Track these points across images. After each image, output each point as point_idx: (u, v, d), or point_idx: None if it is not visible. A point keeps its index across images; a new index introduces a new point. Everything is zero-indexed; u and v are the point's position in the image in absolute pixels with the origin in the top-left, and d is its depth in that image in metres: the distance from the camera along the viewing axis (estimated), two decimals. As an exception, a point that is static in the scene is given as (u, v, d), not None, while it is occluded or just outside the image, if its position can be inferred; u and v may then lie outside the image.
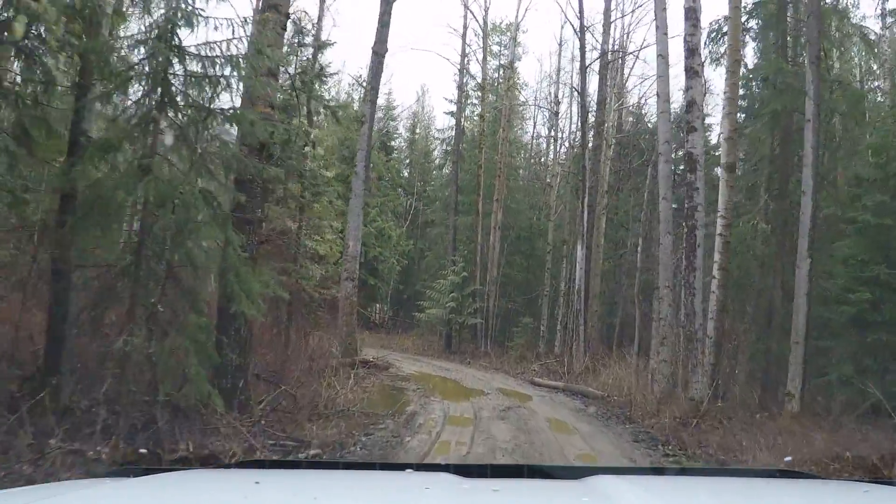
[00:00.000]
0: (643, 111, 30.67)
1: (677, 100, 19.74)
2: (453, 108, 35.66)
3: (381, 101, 36.15)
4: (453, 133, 35.78)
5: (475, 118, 35.53)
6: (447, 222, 32.63)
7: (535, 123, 41.92)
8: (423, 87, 75.68)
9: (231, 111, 7.46)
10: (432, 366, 21.89)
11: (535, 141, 41.27)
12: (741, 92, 15.91)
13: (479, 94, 34.80)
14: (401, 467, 2.16)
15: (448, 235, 31.61)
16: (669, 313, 13.09)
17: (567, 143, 31.17)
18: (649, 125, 28.93)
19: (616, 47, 27.64)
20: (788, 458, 6.83)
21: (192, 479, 2.04)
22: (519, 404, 13.81)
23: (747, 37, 16.25)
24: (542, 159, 39.80)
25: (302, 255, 13.21)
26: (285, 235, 12.10)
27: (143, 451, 6.01)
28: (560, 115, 32.70)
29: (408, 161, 47.62)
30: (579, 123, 25.75)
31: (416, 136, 48.65)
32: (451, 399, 13.94)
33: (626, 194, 28.87)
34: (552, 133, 35.04)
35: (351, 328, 17.96)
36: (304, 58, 15.75)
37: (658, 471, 3.61)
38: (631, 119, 31.06)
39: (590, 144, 24.56)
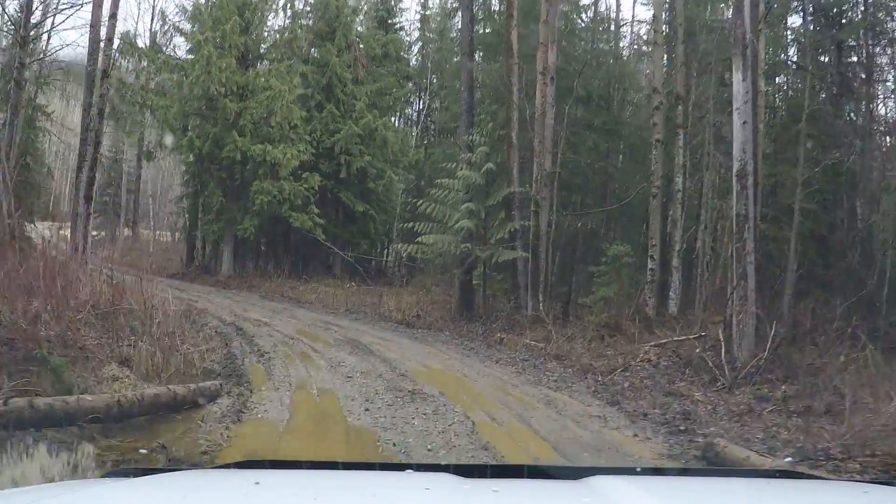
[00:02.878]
0: None
1: None
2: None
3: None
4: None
5: None
6: (459, 81, 19.80)
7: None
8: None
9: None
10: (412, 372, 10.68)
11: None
12: None
13: None
14: (401, 467, 2.25)
15: (461, 96, 18.22)
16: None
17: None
18: None
19: None
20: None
21: (192, 480, 2.07)
22: None
23: None
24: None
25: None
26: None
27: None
28: None
29: (418, 47, 34.39)
30: None
31: (429, 11, 35.23)
32: None
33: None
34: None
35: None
36: None
37: (658, 471, 3.33)
38: None
39: None
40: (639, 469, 2.43)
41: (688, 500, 1.88)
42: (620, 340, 12.26)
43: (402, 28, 33.53)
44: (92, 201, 16.15)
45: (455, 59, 28.64)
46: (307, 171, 23.96)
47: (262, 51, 25.00)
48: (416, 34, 35.43)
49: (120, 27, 27.04)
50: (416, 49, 35.27)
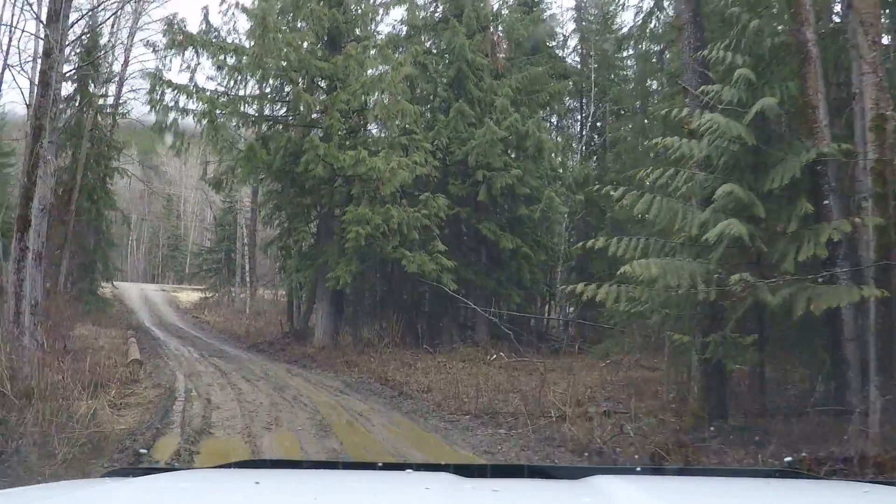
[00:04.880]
0: None
1: None
2: None
3: None
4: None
5: None
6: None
7: None
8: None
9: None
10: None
11: None
12: None
13: None
14: (401, 467, 2.19)
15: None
16: None
17: None
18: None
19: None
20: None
21: (192, 480, 2.06)
22: None
23: None
24: None
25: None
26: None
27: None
28: None
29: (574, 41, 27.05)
30: None
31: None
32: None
33: None
34: None
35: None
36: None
37: (658, 471, 3.44)
38: None
39: None
40: (639, 469, 2.37)
41: (688, 500, 1.88)
42: None
43: (552, 15, 25.79)
44: (28, 231, 9.24)
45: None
46: (429, 191, 16.51)
47: (358, 32, 17.84)
48: (572, 25, 27.48)
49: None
50: (571, 44, 27.33)
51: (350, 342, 16.80)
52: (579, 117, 25.57)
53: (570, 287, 7.51)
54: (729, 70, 8.09)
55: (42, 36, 10.30)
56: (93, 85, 23.96)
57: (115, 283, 37.12)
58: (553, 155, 20.67)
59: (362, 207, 14.81)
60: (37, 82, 10.48)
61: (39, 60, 11.73)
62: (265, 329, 22.27)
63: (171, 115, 15.68)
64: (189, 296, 36.96)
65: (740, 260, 7.47)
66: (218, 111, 15.44)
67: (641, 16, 18.31)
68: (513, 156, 19.21)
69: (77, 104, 23.72)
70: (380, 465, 2.32)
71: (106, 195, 23.92)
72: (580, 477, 1.95)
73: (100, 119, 24.48)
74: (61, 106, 23.59)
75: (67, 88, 23.77)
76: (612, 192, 7.62)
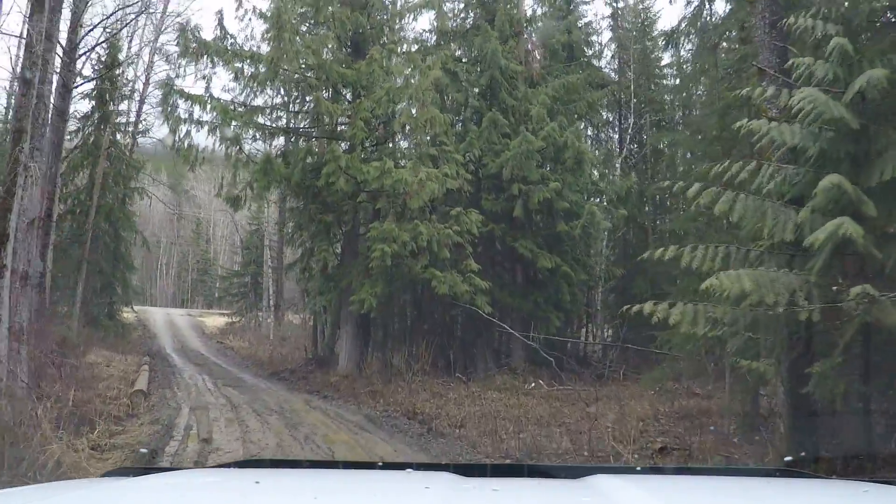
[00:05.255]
0: None
1: None
2: None
3: None
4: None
5: None
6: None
7: None
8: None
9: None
10: None
11: None
12: None
13: None
14: (401, 466, 2.14)
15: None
16: None
17: None
18: None
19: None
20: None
21: (192, 479, 2.05)
22: None
23: None
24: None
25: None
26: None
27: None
28: None
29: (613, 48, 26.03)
30: None
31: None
32: None
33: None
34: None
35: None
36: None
37: (658, 470, 3.35)
38: None
39: None
40: (639, 468, 2.39)
41: (688, 499, 1.85)
42: None
43: (588, 23, 24.52)
44: (5, 247, 8.18)
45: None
46: (461, 206, 15.25)
47: (384, 39, 16.70)
48: (608, 34, 26.15)
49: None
50: (608, 54, 25.99)
51: (376, 370, 15.50)
52: (617, 129, 24.19)
53: (635, 307, 6.10)
54: (816, 45, 6.78)
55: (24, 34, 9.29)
56: (111, 102, 23.23)
57: (140, 307, 36.42)
58: (593, 165, 19.29)
59: (388, 223, 13.56)
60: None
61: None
62: (289, 355, 21.09)
63: (184, 128, 14.65)
64: (215, 321, 36.03)
65: (840, 270, 6.09)
66: (233, 123, 14.38)
67: (693, 7, 16.89)
68: (549, 169, 17.97)
69: (95, 121, 23.01)
70: (380, 464, 2.32)
71: (125, 216, 23.04)
72: (580, 476, 1.93)
73: (119, 137, 23.72)
74: (78, 125, 22.95)
75: (85, 106, 23.15)
76: (683, 191, 6.28)
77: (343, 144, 14.53)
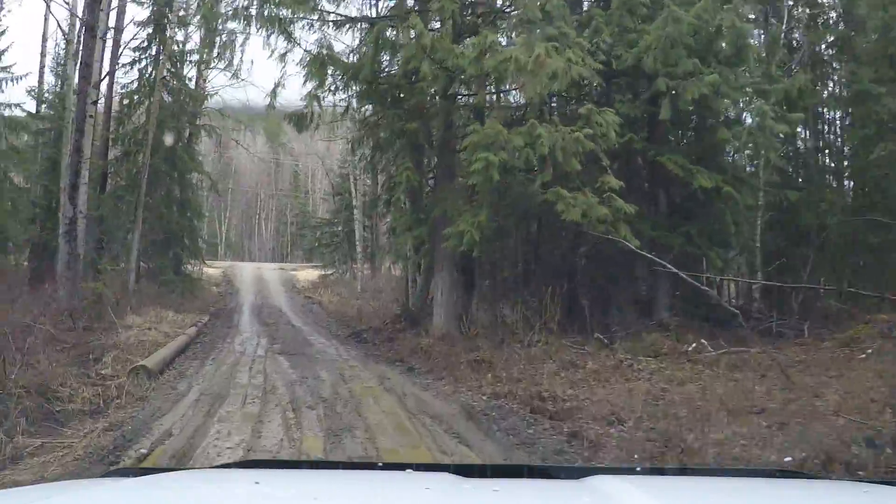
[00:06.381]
0: None
1: None
2: None
3: None
4: None
5: None
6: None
7: None
8: None
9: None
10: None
11: None
12: None
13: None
14: (401, 467, 2.10)
15: None
16: None
17: None
18: None
19: None
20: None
21: (192, 479, 2.03)
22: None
23: None
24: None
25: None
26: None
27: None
28: None
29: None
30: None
31: None
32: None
33: None
34: None
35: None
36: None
37: (658, 471, 3.22)
38: None
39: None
40: (639, 469, 2.35)
41: (688, 500, 1.84)
42: None
43: None
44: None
45: None
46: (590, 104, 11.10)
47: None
48: None
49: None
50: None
51: (482, 329, 11.69)
52: (784, 15, 18.95)
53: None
54: None
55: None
56: (169, 30, 20.15)
57: (226, 262, 34.02)
58: (755, 55, 14.63)
59: (493, 123, 9.59)
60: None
61: None
62: (380, 311, 17.69)
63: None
64: (309, 274, 33.26)
65: None
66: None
67: None
68: (703, 58, 13.50)
69: (153, 54, 20.03)
70: (380, 464, 2.29)
71: (189, 156, 20.00)
72: (580, 477, 1.91)
73: (180, 68, 20.66)
74: (134, 56, 20.06)
75: (140, 36, 20.15)
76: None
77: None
